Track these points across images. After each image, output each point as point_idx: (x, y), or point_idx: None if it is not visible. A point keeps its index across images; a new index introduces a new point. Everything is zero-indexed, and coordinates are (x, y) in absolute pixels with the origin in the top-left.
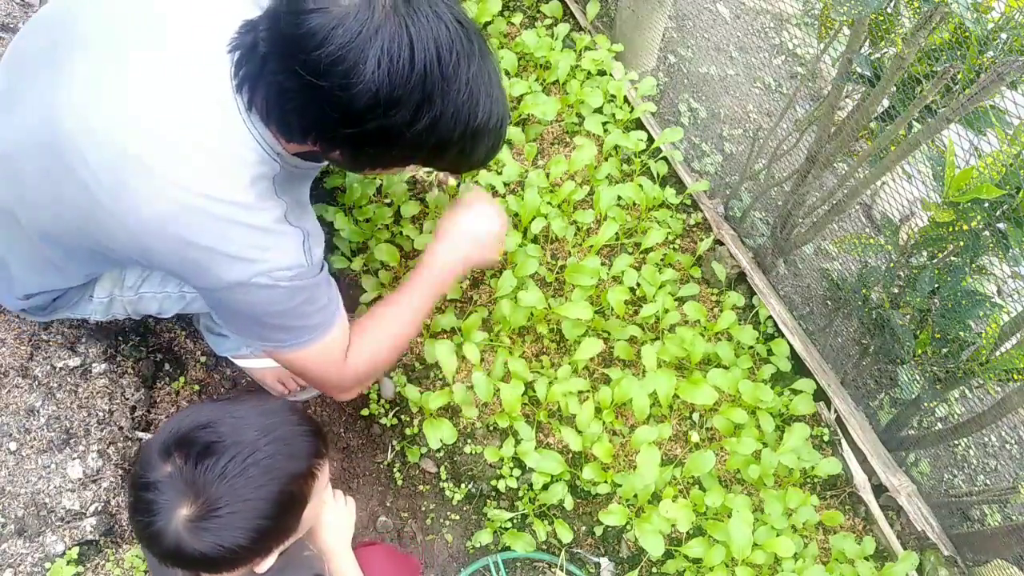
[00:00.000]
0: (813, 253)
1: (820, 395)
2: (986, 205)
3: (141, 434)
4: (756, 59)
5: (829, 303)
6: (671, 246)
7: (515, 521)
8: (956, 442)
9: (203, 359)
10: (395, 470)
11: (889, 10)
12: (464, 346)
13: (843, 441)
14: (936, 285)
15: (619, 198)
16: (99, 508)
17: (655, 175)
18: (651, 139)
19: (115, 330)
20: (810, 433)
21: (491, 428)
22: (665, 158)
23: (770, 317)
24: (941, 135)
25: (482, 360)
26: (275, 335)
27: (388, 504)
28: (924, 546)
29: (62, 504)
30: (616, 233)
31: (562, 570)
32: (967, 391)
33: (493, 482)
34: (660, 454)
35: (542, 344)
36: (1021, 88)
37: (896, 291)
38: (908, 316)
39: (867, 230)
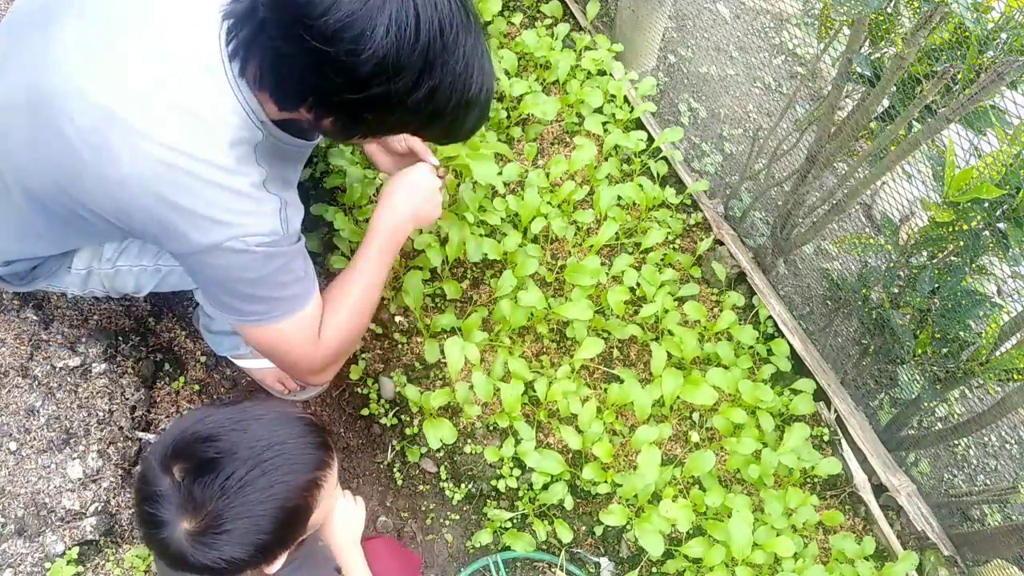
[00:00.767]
0: (813, 253)
1: (820, 395)
2: (986, 205)
3: (141, 434)
4: (756, 59)
5: (829, 303)
6: (671, 246)
7: (515, 521)
8: (956, 442)
9: (203, 359)
10: (395, 470)
11: (889, 10)
12: (464, 346)
13: (843, 441)
14: (936, 285)
15: (619, 198)
16: (99, 508)
17: (655, 175)
18: (651, 139)
19: (115, 330)
20: (810, 433)
21: (491, 428)
22: (665, 158)
23: (770, 317)
24: (941, 135)
25: (482, 360)
26: (248, 306)
27: (388, 504)
28: (924, 546)
29: (62, 504)
30: (616, 233)
31: (562, 570)
32: (967, 391)
33: (493, 482)
34: (660, 454)
35: (542, 344)
36: (1021, 88)
37: (896, 291)
38: (908, 316)
39: (867, 230)
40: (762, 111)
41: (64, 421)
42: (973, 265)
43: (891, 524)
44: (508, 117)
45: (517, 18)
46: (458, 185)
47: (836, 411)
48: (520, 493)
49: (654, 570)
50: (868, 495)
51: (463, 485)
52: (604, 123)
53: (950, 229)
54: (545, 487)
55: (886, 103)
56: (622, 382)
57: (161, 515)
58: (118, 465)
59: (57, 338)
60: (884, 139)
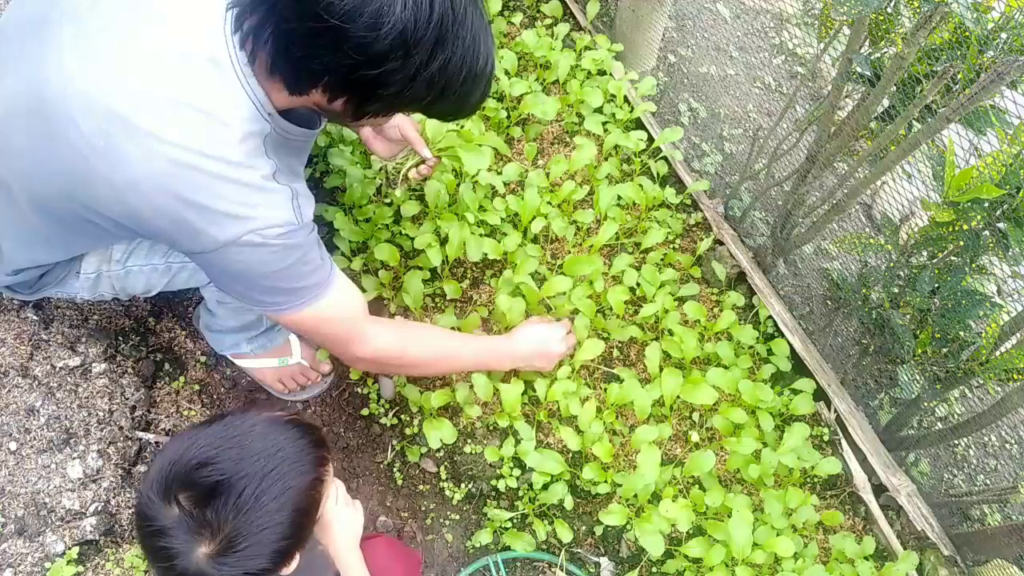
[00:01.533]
0: (813, 253)
1: (820, 395)
2: (986, 205)
3: (141, 434)
4: (756, 59)
5: (829, 303)
6: (671, 246)
7: (515, 521)
8: (956, 442)
9: (203, 359)
10: (395, 470)
11: (889, 10)
12: None
13: (843, 441)
14: (936, 285)
15: (619, 198)
16: (99, 508)
17: (655, 175)
18: (651, 139)
19: (115, 330)
20: (810, 433)
21: (491, 428)
22: (665, 158)
23: (770, 317)
24: (941, 135)
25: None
26: (274, 298)
27: (388, 504)
28: (924, 546)
29: (62, 504)
30: (616, 233)
31: (562, 570)
32: (967, 391)
33: (493, 482)
34: (660, 454)
35: None
36: (1021, 88)
37: (896, 291)
38: (908, 316)
39: (867, 230)
40: (762, 111)
41: (64, 421)
42: (973, 265)
43: (891, 524)
44: (508, 117)
45: (517, 18)
46: (458, 185)
47: (836, 411)
48: (520, 493)
49: (654, 570)
50: (868, 495)
51: (463, 485)
52: (604, 123)
53: (950, 229)
54: (545, 487)
55: (886, 103)
56: (622, 382)
57: (174, 547)
58: (118, 465)
59: (57, 338)
60: (884, 139)
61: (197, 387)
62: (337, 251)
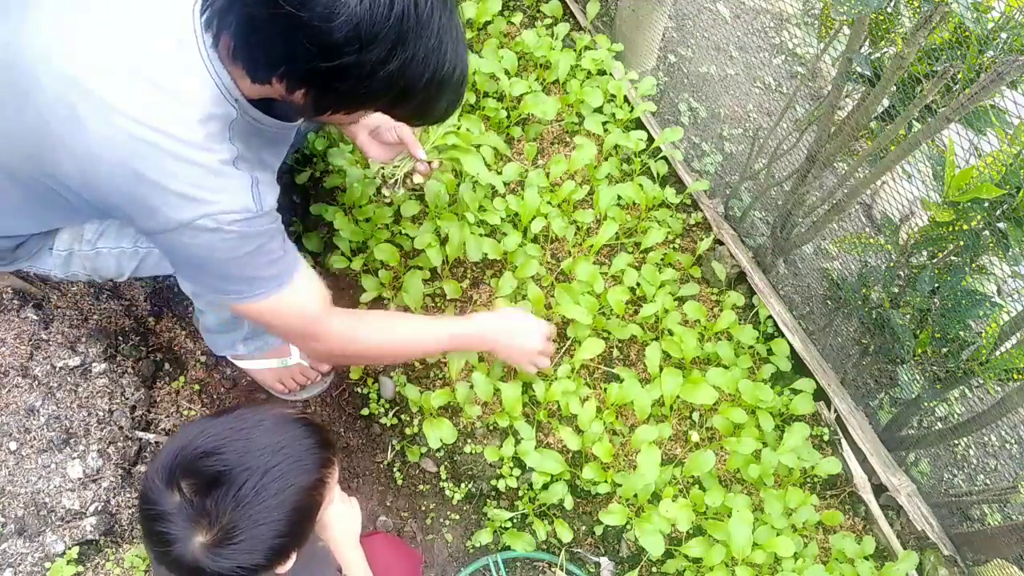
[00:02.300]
0: (813, 253)
1: (820, 395)
2: (986, 205)
3: (141, 434)
4: (756, 59)
5: (829, 303)
6: (671, 246)
7: (515, 521)
8: (956, 442)
9: (203, 359)
10: (395, 470)
11: (889, 10)
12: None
13: (843, 441)
14: (936, 285)
15: (619, 198)
16: (99, 508)
17: (655, 175)
18: (651, 139)
19: (115, 330)
20: (810, 433)
21: (491, 428)
22: (665, 158)
23: (770, 317)
24: (941, 135)
25: (481, 359)
26: (230, 285)
27: (388, 504)
28: (924, 546)
29: (62, 504)
30: (616, 233)
31: (562, 570)
32: (967, 391)
33: (493, 482)
34: (660, 454)
35: None
36: (1021, 88)
37: (896, 291)
38: (908, 316)
39: (867, 230)
40: (762, 111)
41: (64, 421)
42: (973, 265)
43: (891, 524)
44: (508, 117)
45: (517, 18)
46: (458, 185)
47: (836, 411)
48: (520, 493)
49: (654, 570)
50: (868, 495)
51: (463, 485)
52: (604, 123)
53: (950, 229)
54: (545, 487)
55: (886, 103)
56: (622, 382)
57: (172, 532)
58: (118, 465)
59: (57, 338)
60: (884, 139)
61: (197, 387)
62: (337, 251)
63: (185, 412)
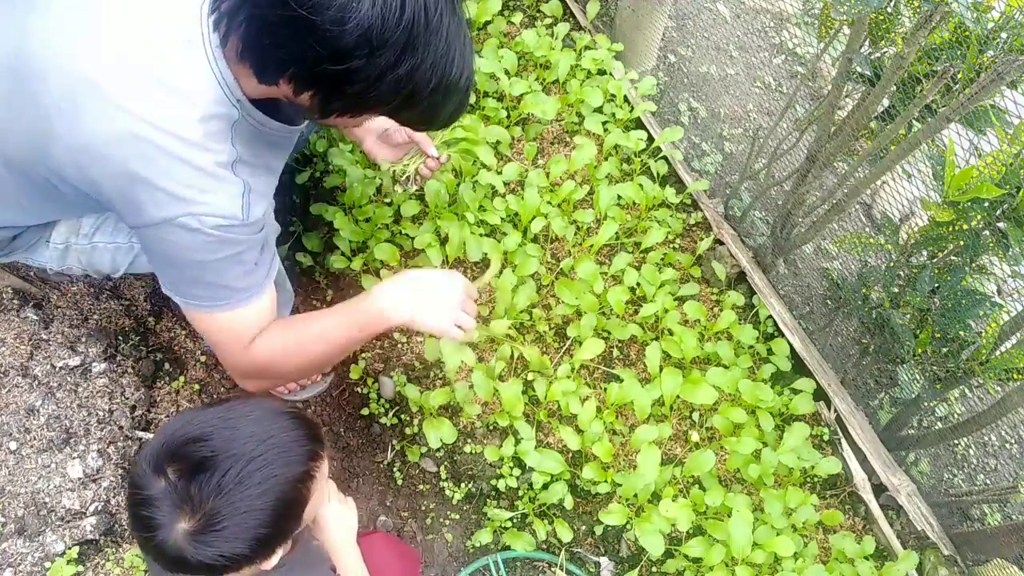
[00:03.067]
0: (813, 253)
1: (820, 394)
2: (986, 204)
3: (141, 433)
4: (756, 59)
5: (829, 302)
6: (671, 245)
7: (515, 520)
8: (956, 441)
9: (203, 359)
10: (395, 470)
11: (889, 9)
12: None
13: (843, 440)
14: (936, 285)
15: (619, 197)
16: (99, 507)
17: (655, 174)
18: (651, 138)
19: (115, 329)
20: (810, 432)
21: (491, 427)
22: (665, 157)
23: (770, 316)
24: (941, 134)
25: (481, 359)
26: (193, 289)
27: (388, 503)
28: (924, 545)
29: (62, 503)
30: (616, 232)
31: (562, 569)
32: (967, 390)
33: (493, 481)
34: (660, 453)
35: (543, 343)
36: (1021, 88)
37: (896, 291)
38: (908, 316)
39: (867, 229)
40: (762, 111)
41: (64, 421)
42: (973, 265)
43: (891, 523)
44: (508, 117)
45: (517, 17)
46: (458, 185)
47: (836, 411)
48: (520, 493)
49: (654, 570)
50: (868, 495)
51: (463, 485)
52: (604, 123)
53: (950, 229)
54: (545, 487)
55: (886, 103)
56: (622, 382)
57: (157, 517)
58: (118, 465)
59: (57, 338)
60: (884, 139)
61: (197, 387)
62: (337, 251)
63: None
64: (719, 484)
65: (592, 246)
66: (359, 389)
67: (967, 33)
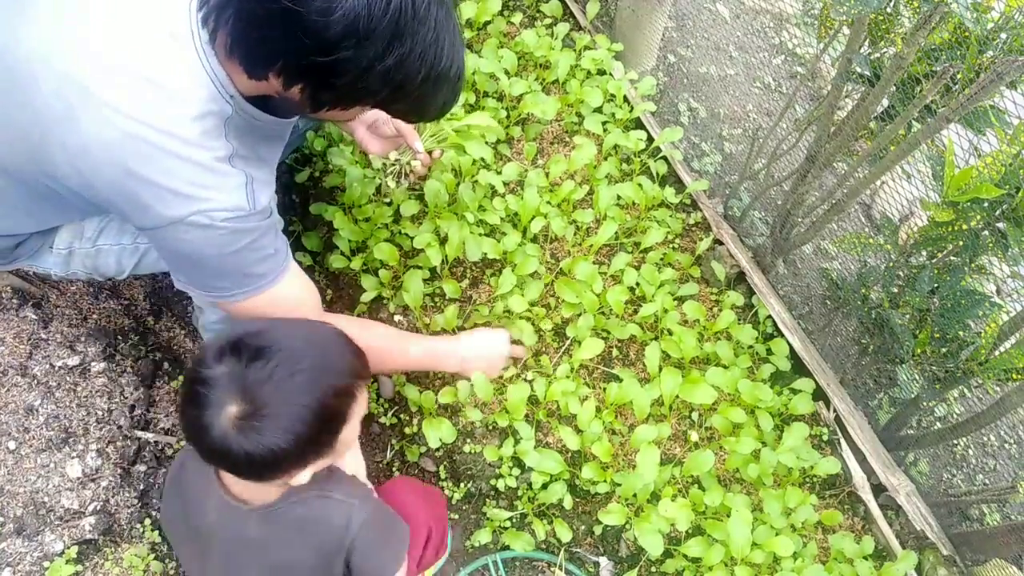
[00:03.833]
0: (812, 253)
1: (819, 394)
2: (985, 205)
3: (140, 433)
4: (756, 59)
5: (828, 303)
6: (670, 245)
7: (514, 520)
8: (955, 442)
9: None
10: (395, 469)
11: (889, 10)
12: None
13: (842, 440)
14: (935, 285)
15: (618, 197)
16: (98, 507)
17: (655, 174)
18: (651, 139)
19: (114, 329)
20: (809, 432)
21: (490, 427)
22: (665, 157)
23: (769, 316)
24: (941, 135)
25: None
26: (218, 283)
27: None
28: (923, 545)
29: (61, 503)
30: (615, 232)
31: (561, 569)
32: (966, 391)
33: (492, 481)
34: (659, 453)
35: (543, 342)
36: (1021, 88)
37: (895, 291)
38: (907, 316)
39: (866, 230)
40: (762, 111)
41: (63, 420)
42: (972, 265)
43: (890, 524)
44: (508, 117)
45: (517, 17)
46: (457, 184)
47: (835, 411)
48: (519, 492)
49: (653, 569)
50: (867, 495)
51: (462, 484)
52: (604, 123)
53: (949, 229)
54: (544, 486)
55: (886, 103)
56: (621, 382)
57: (211, 396)
58: (117, 464)
59: (56, 337)
60: (884, 139)
61: None
62: (336, 250)
63: None
64: (718, 484)
65: (592, 246)
66: None
67: (967, 33)
